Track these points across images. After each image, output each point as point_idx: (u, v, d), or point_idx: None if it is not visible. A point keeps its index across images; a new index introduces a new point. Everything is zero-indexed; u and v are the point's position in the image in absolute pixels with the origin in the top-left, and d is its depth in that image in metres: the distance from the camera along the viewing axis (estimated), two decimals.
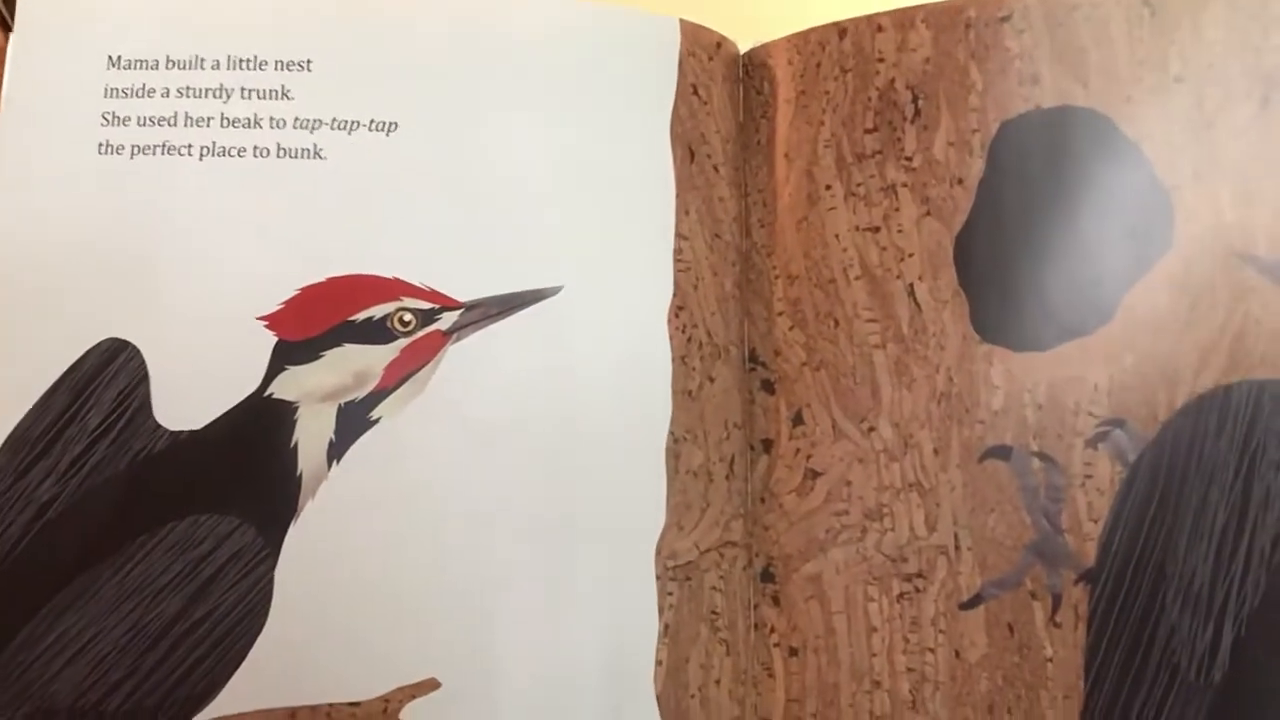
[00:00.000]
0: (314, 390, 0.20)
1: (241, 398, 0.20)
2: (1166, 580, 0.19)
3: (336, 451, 0.20)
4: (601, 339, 0.21)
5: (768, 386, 0.23)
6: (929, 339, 0.22)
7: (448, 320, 0.21)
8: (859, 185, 0.23)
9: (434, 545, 0.20)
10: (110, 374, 0.20)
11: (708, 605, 0.22)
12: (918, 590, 0.21)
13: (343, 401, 0.20)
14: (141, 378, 0.20)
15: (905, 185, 0.22)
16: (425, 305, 0.21)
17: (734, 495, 0.22)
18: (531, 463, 0.21)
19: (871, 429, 0.22)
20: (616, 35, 0.22)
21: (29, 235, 0.20)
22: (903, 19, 0.22)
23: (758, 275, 0.23)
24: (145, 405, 0.20)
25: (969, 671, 0.21)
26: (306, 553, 0.20)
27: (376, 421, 0.20)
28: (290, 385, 0.20)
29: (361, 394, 0.20)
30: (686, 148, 0.23)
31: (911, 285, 0.22)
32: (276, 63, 0.21)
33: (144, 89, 0.21)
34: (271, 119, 0.21)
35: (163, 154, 0.21)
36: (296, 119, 0.21)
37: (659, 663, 0.21)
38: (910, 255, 0.22)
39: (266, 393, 0.20)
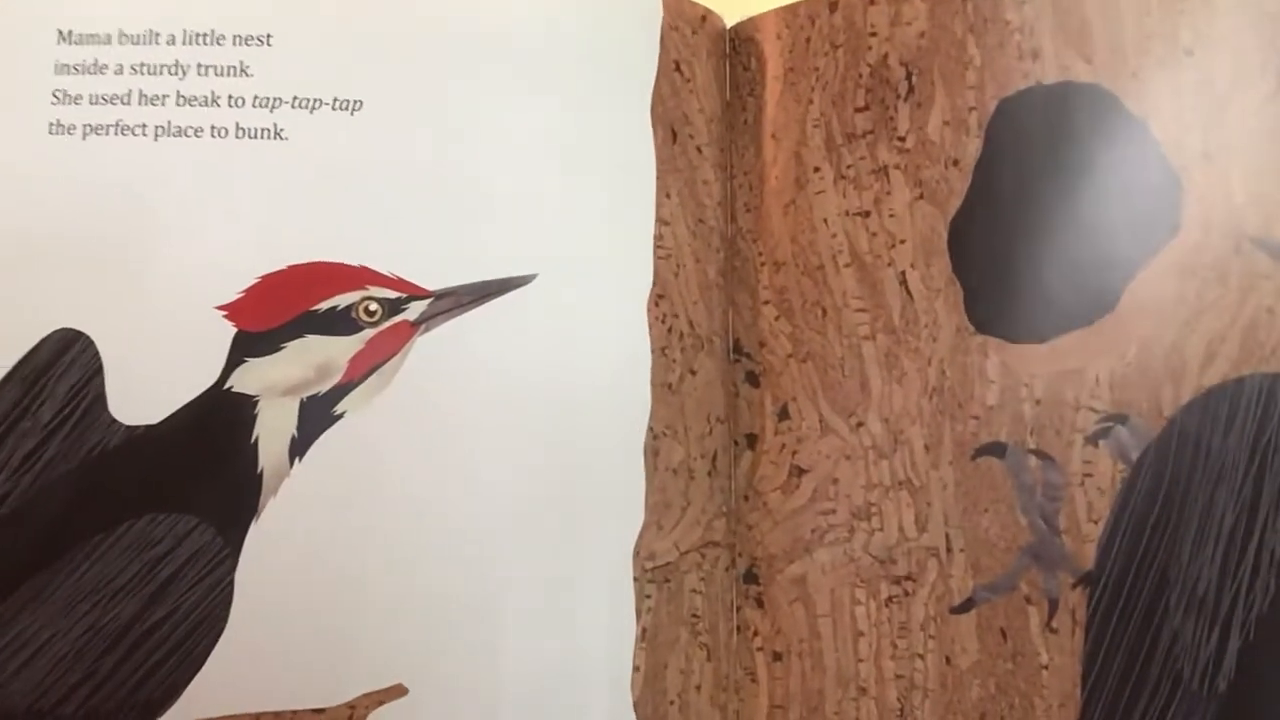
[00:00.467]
0: (275, 383, 0.19)
1: (200, 391, 0.19)
2: (1170, 584, 0.18)
3: (299, 448, 0.19)
4: (577, 330, 0.21)
5: (752, 379, 0.22)
6: (921, 330, 0.21)
7: (416, 310, 0.20)
8: (849, 167, 0.21)
9: (401, 545, 0.19)
10: (63, 366, 0.19)
11: (688, 608, 0.21)
12: (907, 593, 0.20)
13: (305, 395, 0.20)
14: (96, 370, 0.19)
15: (897, 167, 0.21)
16: (392, 294, 0.20)
17: (716, 493, 0.22)
18: (503, 460, 0.20)
19: (860, 424, 0.21)
20: (594, 9, 0.21)
21: None
22: None
23: (743, 262, 0.22)
24: (100, 399, 0.19)
25: (960, 679, 0.20)
26: (268, 553, 0.19)
27: (341, 416, 0.20)
28: (250, 378, 0.19)
29: (325, 387, 0.20)
30: (668, 128, 0.22)
31: (903, 273, 0.21)
32: (235, 37, 0.20)
33: (96, 65, 0.20)
34: (230, 97, 0.20)
35: (116, 134, 0.20)
36: (256, 97, 0.20)
37: (636, 668, 0.20)
38: (902, 241, 0.21)
39: (225, 386, 0.19)
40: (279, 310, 0.20)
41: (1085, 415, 0.19)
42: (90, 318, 0.19)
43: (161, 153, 0.20)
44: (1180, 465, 0.19)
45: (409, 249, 0.20)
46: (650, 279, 0.21)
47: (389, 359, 0.20)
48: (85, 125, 0.20)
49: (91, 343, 0.19)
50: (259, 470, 0.19)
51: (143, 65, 0.20)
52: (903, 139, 0.21)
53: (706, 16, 0.23)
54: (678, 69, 0.22)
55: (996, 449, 0.20)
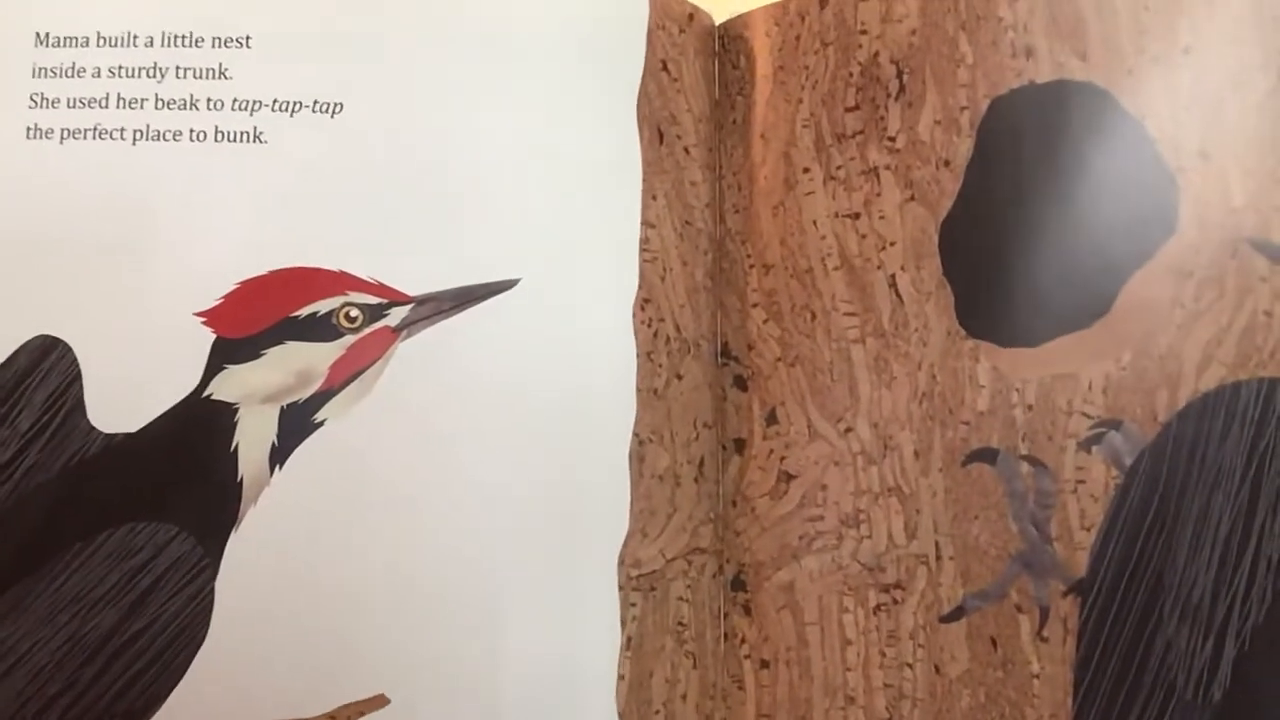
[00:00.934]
0: (255, 390, 0.19)
1: (179, 398, 0.19)
2: (1164, 592, 0.18)
3: (279, 456, 0.19)
4: (561, 334, 0.20)
5: (740, 383, 0.22)
6: (911, 334, 0.20)
7: (397, 316, 0.20)
8: (839, 168, 0.21)
9: (382, 554, 0.19)
10: (41, 373, 0.19)
11: (674, 616, 0.21)
12: (896, 601, 0.20)
13: (286, 403, 0.19)
14: (74, 377, 0.19)
15: (888, 168, 0.21)
16: (373, 300, 0.20)
17: (703, 499, 0.21)
18: (486, 467, 0.20)
19: (849, 429, 0.21)
20: (579, 6, 0.21)
21: None
22: None
23: (731, 264, 0.22)
24: (78, 406, 0.19)
25: (949, 688, 0.20)
26: (248, 562, 0.19)
27: (322, 424, 0.19)
28: (230, 385, 0.19)
29: (305, 394, 0.19)
30: (655, 128, 0.21)
31: (893, 276, 0.21)
32: (214, 40, 0.20)
33: (74, 68, 0.20)
34: (209, 100, 0.20)
35: (94, 138, 0.19)
36: (235, 100, 0.20)
37: (621, 677, 0.20)
38: (892, 243, 0.21)
39: (205, 393, 0.19)
40: (259, 316, 0.19)
41: (1078, 421, 0.19)
42: (68, 324, 0.19)
43: (140, 157, 0.19)
44: (1175, 472, 0.18)
45: (390, 254, 0.20)
46: (636, 282, 0.21)
47: (370, 365, 0.20)
48: (63, 129, 0.19)
49: (69, 350, 0.19)
50: (239, 479, 0.19)
51: (121, 68, 0.20)
52: (893, 139, 0.21)
53: (694, 14, 0.22)
54: (665, 68, 0.22)
55: (987, 455, 0.20)
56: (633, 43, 0.21)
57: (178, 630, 0.19)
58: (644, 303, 0.21)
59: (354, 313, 0.20)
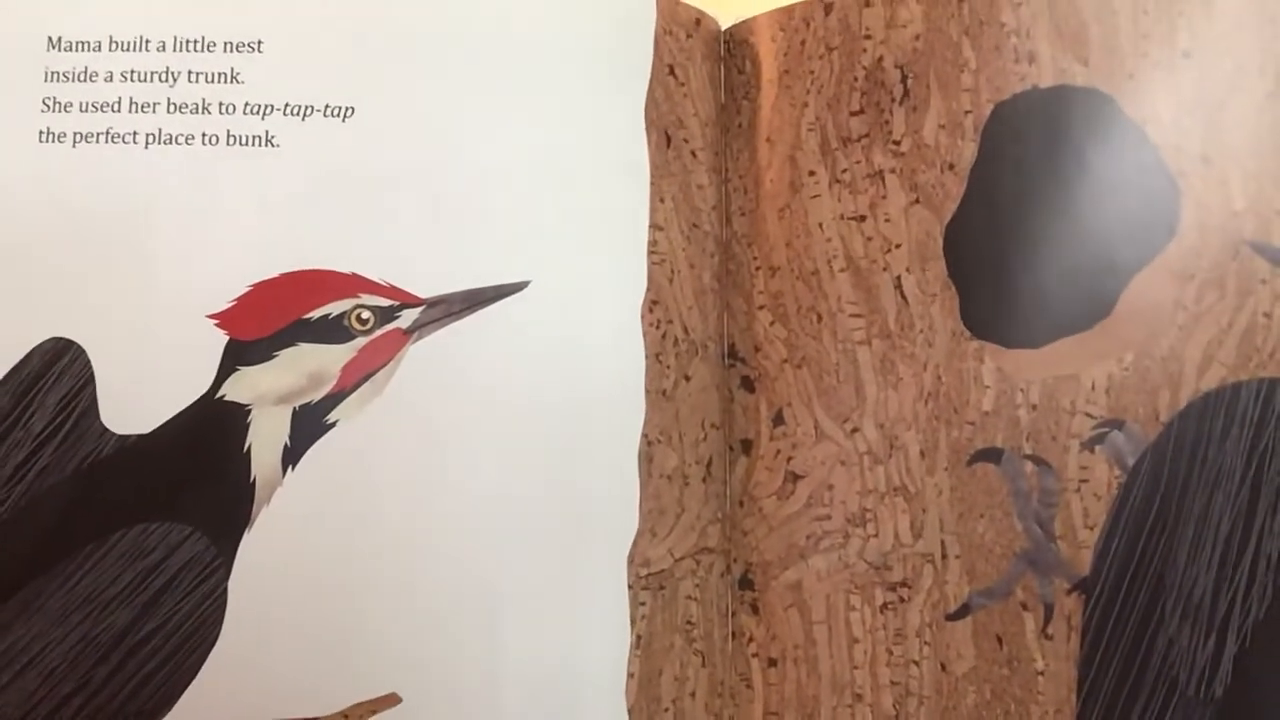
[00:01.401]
0: (267, 392, 0.19)
1: (192, 400, 0.19)
2: (1166, 590, 0.18)
3: (292, 456, 0.19)
4: (571, 336, 0.21)
5: (747, 384, 0.22)
6: (916, 335, 0.21)
7: (408, 318, 0.20)
8: (844, 171, 0.21)
9: (394, 554, 0.19)
10: (54, 376, 0.19)
11: (682, 615, 0.21)
12: (902, 600, 0.20)
13: (298, 404, 0.20)
14: (87, 379, 0.19)
15: (893, 171, 0.21)
16: (384, 302, 0.20)
17: (711, 499, 0.22)
18: (496, 467, 0.20)
19: (855, 430, 0.21)
20: (587, 12, 0.21)
21: None
22: None
23: (738, 267, 0.22)
24: (91, 408, 0.19)
25: (955, 685, 0.20)
26: (261, 562, 0.19)
27: (334, 425, 0.20)
28: (242, 387, 0.19)
29: (318, 396, 0.20)
30: (662, 132, 0.22)
31: (898, 277, 0.21)
32: (225, 44, 0.20)
33: (87, 72, 0.20)
34: (221, 104, 0.20)
35: (106, 141, 0.20)
36: (247, 104, 0.20)
37: (631, 675, 0.20)
38: (897, 246, 0.21)
39: (218, 395, 0.19)
40: (271, 318, 0.20)
41: (1081, 421, 0.19)
42: (81, 327, 0.19)
43: (152, 160, 0.20)
44: (1177, 471, 0.19)
45: (401, 256, 0.20)
46: (644, 284, 0.21)
47: (381, 367, 0.20)
48: (76, 133, 0.19)
49: (83, 352, 0.19)
50: (252, 479, 0.19)
51: (133, 72, 0.20)
52: (898, 143, 0.21)
53: (701, 19, 0.22)
54: (672, 72, 0.22)
55: (992, 455, 0.20)
56: (640, 48, 0.22)
57: (191, 630, 0.19)
58: (652, 304, 0.21)
59: (365, 315, 0.20)
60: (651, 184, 0.21)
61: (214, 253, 0.19)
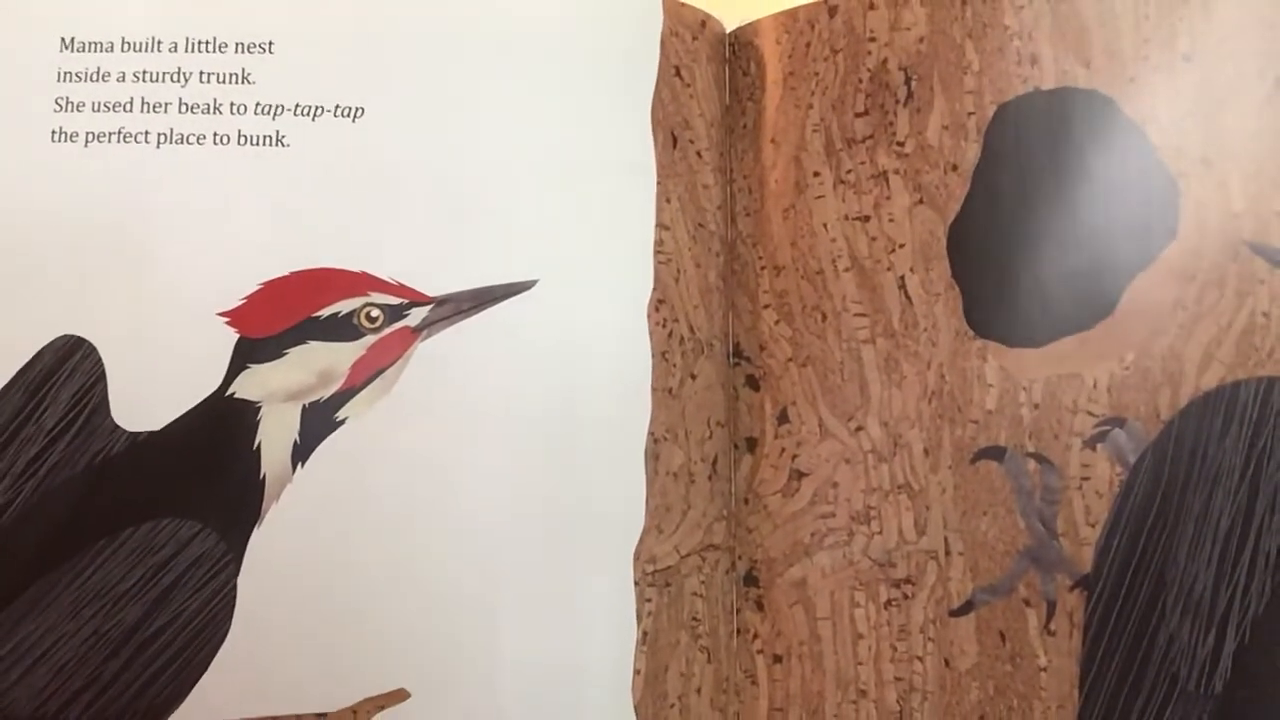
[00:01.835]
0: (277, 389, 0.20)
1: (202, 397, 0.19)
2: (1166, 586, 0.19)
3: (301, 453, 0.19)
4: (578, 335, 0.21)
5: (752, 383, 0.22)
6: (920, 334, 0.21)
7: (417, 316, 0.20)
8: (849, 172, 0.22)
9: (402, 551, 0.20)
10: (66, 372, 0.19)
11: (688, 611, 0.21)
12: (906, 596, 0.20)
13: (307, 401, 0.20)
14: (98, 376, 0.19)
15: (897, 172, 0.21)
16: (393, 300, 0.20)
17: (716, 497, 0.22)
18: (504, 464, 0.20)
19: (859, 428, 0.21)
20: (595, 14, 0.22)
21: None
22: None
23: (743, 266, 0.22)
24: (103, 405, 0.19)
25: (959, 681, 0.20)
26: (271, 558, 0.19)
27: (343, 422, 0.20)
28: (252, 384, 0.19)
29: (327, 393, 0.20)
30: (668, 133, 0.22)
31: (902, 277, 0.21)
32: (237, 45, 0.20)
33: (99, 73, 0.20)
34: (232, 104, 0.20)
35: (118, 141, 0.20)
36: (258, 104, 0.20)
37: (637, 671, 0.20)
38: (901, 246, 0.21)
39: (228, 392, 0.19)
40: (281, 316, 0.20)
41: (1083, 419, 0.19)
42: (93, 324, 0.19)
43: (164, 160, 0.20)
44: (1177, 469, 0.19)
45: (410, 255, 0.20)
46: (650, 283, 0.21)
47: (390, 365, 0.20)
48: (88, 132, 0.20)
49: (94, 349, 0.19)
50: (261, 476, 0.19)
51: (145, 73, 0.20)
52: (902, 144, 0.21)
53: (706, 22, 0.23)
54: (678, 74, 0.22)
55: (995, 453, 0.20)
56: (647, 49, 0.22)
57: (200, 626, 0.19)
58: (658, 303, 0.21)
59: (375, 313, 0.20)
60: (658, 184, 0.22)
61: (224, 251, 0.20)
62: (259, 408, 0.19)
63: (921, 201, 0.21)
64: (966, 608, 0.20)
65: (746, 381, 0.22)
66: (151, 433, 0.19)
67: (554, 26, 0.21)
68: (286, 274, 0.20)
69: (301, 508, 0.19)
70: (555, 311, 0.20)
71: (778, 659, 0.21)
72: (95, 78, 0.20)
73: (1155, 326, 0.19)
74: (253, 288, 0.20)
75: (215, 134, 0.20)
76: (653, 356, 0.21)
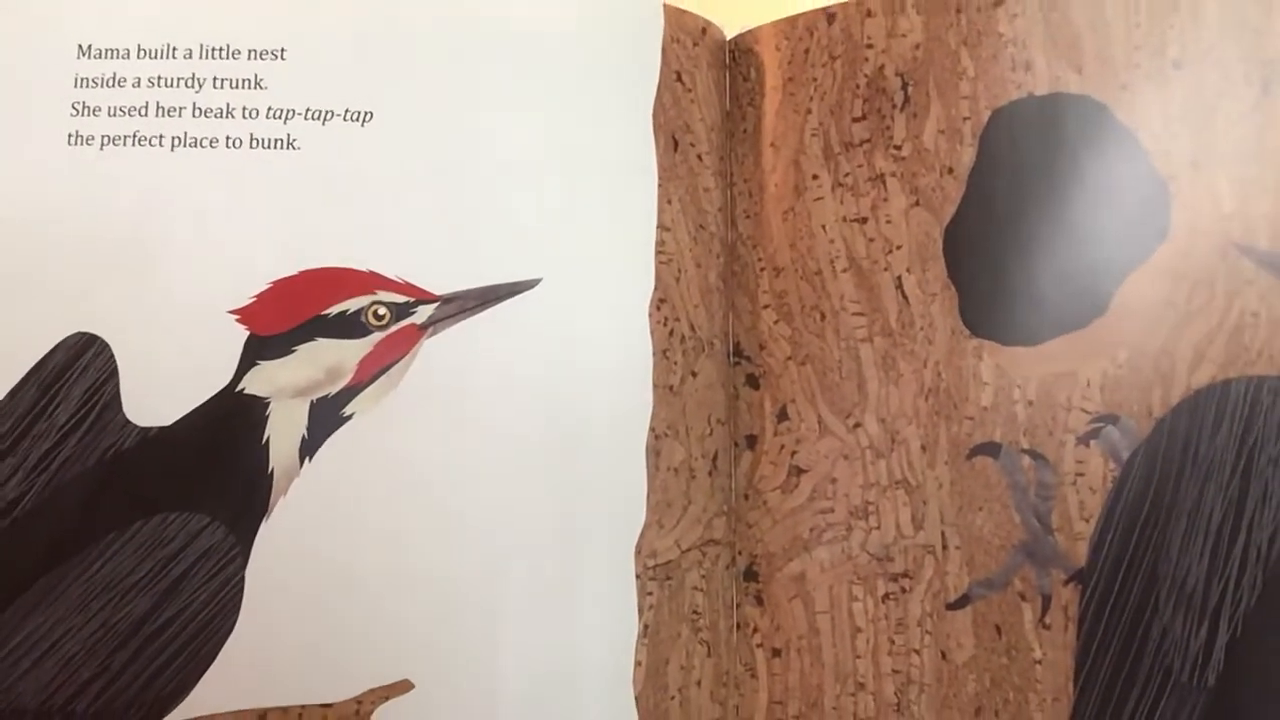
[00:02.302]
0: (286, 386, 0.20)
1: (212, 393, 0.20)
2: (1159, 580, 0.19)
3: (309, 448, 0.20)
4: (581, 332, 0.21)
5: (752, 381, 0.22)
6: (917, 333, 0.21)
7: (423, 314, 0.20)
8: (846, 175, 0.22)
9: (408, 544, 0.20)
10: (79, 369, 0.20)
11: (689, 605, 0.21)
12: (904, 590, 0.21)
13: (315, 397, 0.20)
14: (110, 373, 0.20)
15: (894, 175, 0.22)
16: (400, 298, 0.20)
17: (717, 492, 0.22)
18: (508, 460, 0.20)
19: (857, 425, 0.21)
20: (597, 20, 0.22)
21: None
22: (893, 4, 0.22)
23: (743, 267, 0.23)
24: (114, 401, 0.19)
25: (955, 673, 0.20)
26: (278, 551, 0.19)
27: (350, 417, 0.20)
28: (262, 380, 0.20)
29: (334, 389, 0.20)
30: (670, 137, 0.22)
31: (899, 278, 0.21)
32: (249, 51, 0.21)
33: (115, 79, 0.20)
34: (244, 109, 0.20)
35: (134, 145, 0.20)
36: (270, 109, 0.20)
37: (638, 663, 0.21)
38: (898, 247, 0.21)
39: (238, 388, 0.20)
40: (290, 314, 0.20)
41: (1077, 416, 0.20)
42: (106, 322, 0.20)
43: (177, 163, 0.20)
44: (1169, 465, 0.19)
45: (417, 254, 0.20)
46: (652, 283, 0.22)
47: (397, 361, 0.20)
48: (103, 137, 0.20)
49: (107, 346, 0.19)
50: (270, 470, 0.20)
51: (160, 79, 0.20)
52: (899, 147, 0.22)
53: (707, 29, 0.23)
54: (679, 79, 0.23)
55: (991, 449, 0.20)
56: (648, 55, 0.22)
57: (208, 618, 0.19)
58: (659, 303, 0.22)
59: (382, 311, 0.20)
60: (659, 186, 0.22)
61: (235, 251, 0.20)
62: (268, 403, 0.20)
63: (918, 204, 0.21)
64: (963, 601, 0.20)
65: (746, 380, 0.23)
66: (162, 428, 0.19)
67: (558, 34, 0.22)
68: (296, 273, 0.20)
69: (309, 501, 0.20)
70: (558, 310, 0.21)
71: (777, 652, 0.21)
72: (111, 83, 0.20)
73: (1147, 326, 0.20)
74: (263, 286, 0.20)
75: (228, 138, 0.20)
76: (654, 354, 0.21)
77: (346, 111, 0.21)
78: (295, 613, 0.19)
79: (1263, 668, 0.18)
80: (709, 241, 0.23)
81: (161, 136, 0.20)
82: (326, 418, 0.20)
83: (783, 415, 0.22)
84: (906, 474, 0.21)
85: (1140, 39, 0.20)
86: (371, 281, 0.20)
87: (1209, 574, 0.18)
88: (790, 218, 0.22)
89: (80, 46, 0.20)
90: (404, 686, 0.19)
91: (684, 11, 0.23)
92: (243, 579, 0.19)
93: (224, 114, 0.20)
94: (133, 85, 0.20)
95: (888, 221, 0.22)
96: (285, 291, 0.20)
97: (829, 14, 0.22)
